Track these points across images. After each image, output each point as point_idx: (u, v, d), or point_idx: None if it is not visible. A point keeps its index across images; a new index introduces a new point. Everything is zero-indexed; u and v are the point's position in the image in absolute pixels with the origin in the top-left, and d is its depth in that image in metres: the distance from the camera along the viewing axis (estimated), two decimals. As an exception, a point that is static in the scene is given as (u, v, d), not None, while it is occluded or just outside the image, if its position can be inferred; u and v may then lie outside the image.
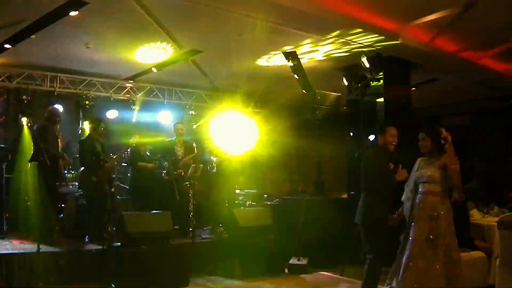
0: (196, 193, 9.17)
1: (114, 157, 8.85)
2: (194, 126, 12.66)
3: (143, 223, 7.52)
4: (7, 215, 8.87)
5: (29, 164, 8.18)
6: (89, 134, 8.77)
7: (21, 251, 7.25)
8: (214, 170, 9.87)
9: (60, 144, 8.58)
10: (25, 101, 10.29)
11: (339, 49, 9.10)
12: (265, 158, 13.23)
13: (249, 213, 9.03)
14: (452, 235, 5.63)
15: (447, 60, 9.61)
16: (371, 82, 9.30)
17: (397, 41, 8.42)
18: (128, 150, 9.75)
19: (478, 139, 15.25)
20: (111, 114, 11.47)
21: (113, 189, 9.50)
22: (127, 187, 10.43)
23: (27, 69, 10.38)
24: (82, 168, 8.63)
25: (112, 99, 11.56)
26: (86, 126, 10.49)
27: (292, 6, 6.98)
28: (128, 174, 10.68)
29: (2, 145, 10.00)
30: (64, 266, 7.28)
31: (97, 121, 8.93)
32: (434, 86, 11.73)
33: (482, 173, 11.89)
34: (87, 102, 11.06)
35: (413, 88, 10.80)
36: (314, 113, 8.80)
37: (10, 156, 9.54)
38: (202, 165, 9.28)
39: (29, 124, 7.67)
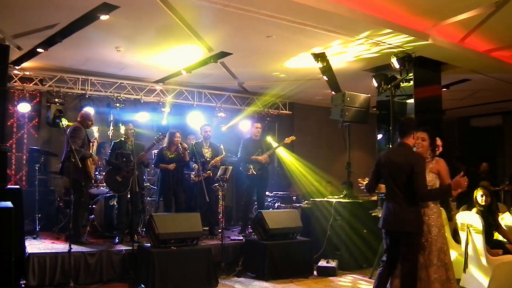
0: (225, 194, 9.20)
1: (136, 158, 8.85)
2: (224, 128, 12.72)
3: (172, 224, 7.57)
4: (39, 215, 9.03)
5: (61, 165, 8.31)
6: (124, 137, 8.88)
7: (52, 251, 7.38)
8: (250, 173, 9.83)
9: (94, 146, 8.71)
10: (58, 104, 10.45)
11: (368, 50, 9.04)
12: (295, 160, 13.24)
13: (278, 215, 9.01)
14: (443, 239, 5.58)
15: (478, 60, 9.47)
16: (401, 83, 9.21)
17: (427, 41, 8.33)
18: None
19: (511, 140, 15.03)
20: (141, 116, 11.57)
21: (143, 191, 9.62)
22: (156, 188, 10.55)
23: (59, 72, 10.56)
24: (109, 168, 8.78)
25: (142, 101, 11.67)
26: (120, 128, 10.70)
27: (320, 7, 6.96)
28: (158, 176, 10.81)
29: (35, 147, 10.19)
30: (95, 266, 7.39)
31: (125, 124, 9.05)
32: (465, 87, 11.59)
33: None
34: (117, 105, 11.19)
35: (444, 89, 10.69)
36: (344, 115, 8.73)
37: (42, 158, 9.72)
38: (231, 167, 9.31)
39: (64, 126, 7.80)
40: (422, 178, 5.37)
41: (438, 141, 5.86)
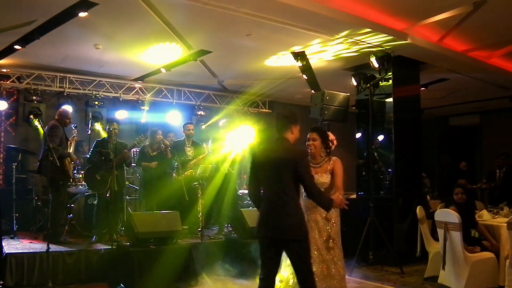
0: (205, 193, 9.18)
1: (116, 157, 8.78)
2: (203, 126, 12.67)
3: (152, 223, 7.53)
4: (17, 214, 8.93)
5: (39, 163, 8.22)
6: (107, 135, 8.84)
7: (30, 250, 7.31)
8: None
9: (72, 145, 8.64)
10: (35, 102, 10.34)
11: (348, 49, 9.08)
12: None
13: (257, 213, 8.99)
14: (339, 245, 5.55)
15: (456, 60, 9.57)
16: (380, 82, 9.28)
17: (406, 41, 8.39)
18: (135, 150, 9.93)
19: (488, 139, 15.21)
20: (120, 114, 11.49)
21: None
22: (136, 187, 10.48)
23: (37, 70, 10.44)
24: (89, 166, 8.74)
25: (121, 99, 11.61)
26: (99, 127, 10.67)
27: (300, 6, 6.98)
28: (137, 175, 10.75)
29: (12, 145, 10.08)
30: (73, 265, 7.33)
31: (110, 122, 9.01)
32: (443, 86, 11.70)
33: (492, 172, 11.83)
34: (96, 103, 11.11)
35: (422, 88, 10.79)
36: (323, 113, 8.75)
37: (19, 156, 9.62)
38: (211, 165, 9.30)
39: (40, 125, 7.72)
40: (310, 175, 4.78)
41: (331, 136, 5.70)
